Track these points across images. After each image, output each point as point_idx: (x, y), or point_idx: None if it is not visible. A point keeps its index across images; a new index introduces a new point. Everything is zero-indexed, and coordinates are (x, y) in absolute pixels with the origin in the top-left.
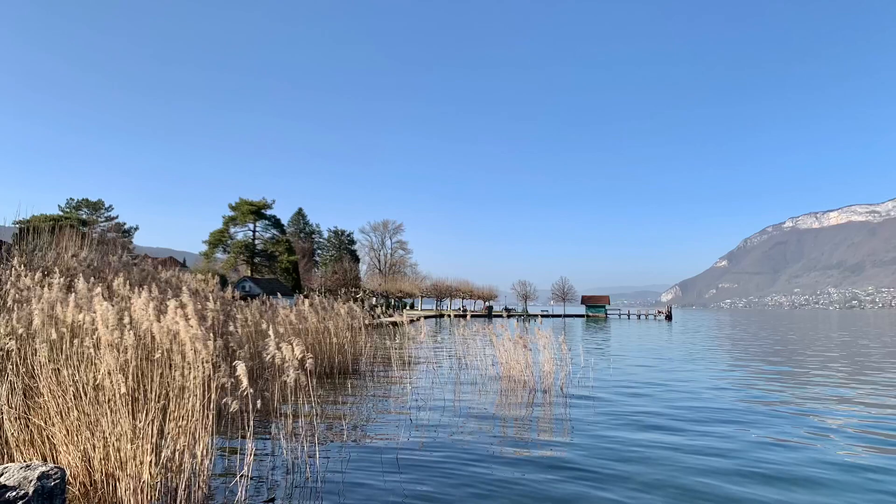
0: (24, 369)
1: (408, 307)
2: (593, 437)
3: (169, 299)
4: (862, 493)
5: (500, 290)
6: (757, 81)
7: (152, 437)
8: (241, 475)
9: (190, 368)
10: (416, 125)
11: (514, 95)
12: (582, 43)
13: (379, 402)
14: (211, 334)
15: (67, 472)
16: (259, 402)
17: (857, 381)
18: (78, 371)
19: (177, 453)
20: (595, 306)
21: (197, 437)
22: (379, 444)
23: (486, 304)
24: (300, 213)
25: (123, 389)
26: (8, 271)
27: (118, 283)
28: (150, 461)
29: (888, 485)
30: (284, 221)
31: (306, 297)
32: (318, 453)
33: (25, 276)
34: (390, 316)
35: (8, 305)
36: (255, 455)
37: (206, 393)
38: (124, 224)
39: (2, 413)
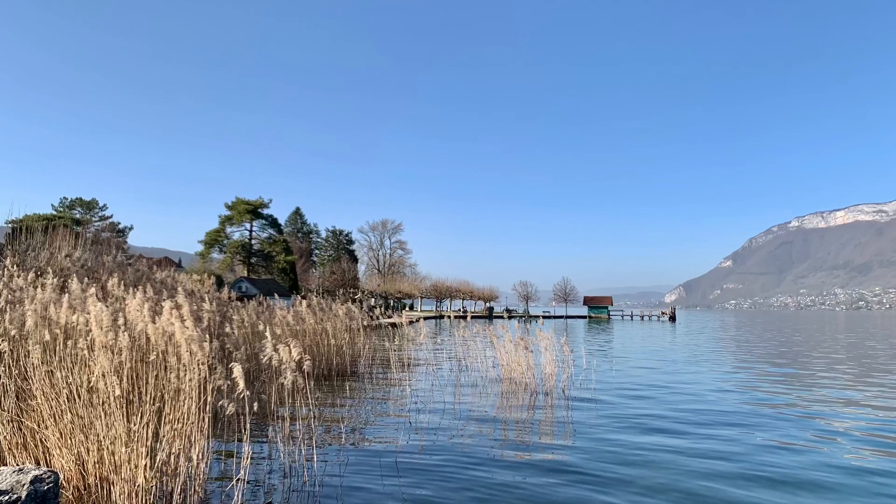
0: (16, 371)
1: (407, 308)
2: (595, 440)
3: (164, 300)
4: (869, 497)
5: (500, 291)
6: (761, 79)
7: (147, 440)
8: (238, 479)
9: (185, 370)
10: (416, 124)
11: (514, 94)
12: (583, 41)
13: (378, 405)
14: (207, 336)
15: (61, 476)
16: (256, 404)
17: (864, 383)
18: (72, 373)
19: (172, 457)
20: (597, 307)
21: (193, 440)
22: (378, 447)
23: (487, 304)
24: (298, 213)
25: (118, 392)
26: (0, 271)
27: (112, 284)
28: (145, 465)
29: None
30: (282, 221)
31: (304, 297)
32: (315, 457)
33: (18, 276)
34: (389, 317)
35: (0, 306)
36: (251, 458)
37: (202, 395)
38: (119, 224)
39: None
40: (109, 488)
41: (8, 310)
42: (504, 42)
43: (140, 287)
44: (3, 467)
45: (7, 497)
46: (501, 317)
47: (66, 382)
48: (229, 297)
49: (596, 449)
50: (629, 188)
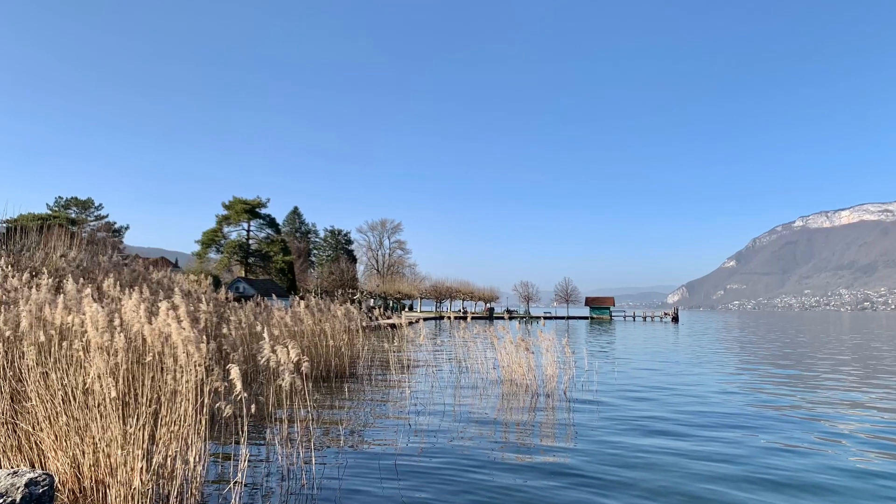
0: (11, 373)
1: (406, 309)
2: (597, 442)
3: (160, 301)
4: (874, 500)
5: (501, 292)
6: (766, 77)
7: (143, 442)
8: (235, 482)
9: (182, 372)
10: (415, 122)
11: (515, 91)
12: (585, 37)
13: (377, 407)
14: (204, 337)
15: (56, 479)
16: (253, 406)
17: (870, 384)
18: (67, 375)
19: (168, 459)
20: (599, 308)
21: (189, 442)
22: (377, 449)
23: (487, 305)
24: (296, 212)
25: (114, 393)
26: None
27: (108, 284)
28: (141, 467)
29: None
30: (279, 221)
31: (302, 298)
32: (314, 459)
33: (13, 276)
34: (388, 318)
35: None
36: (249, 461)
37: (199, 397)
38: (114, 223)
39: None
40: (105, 491)
41: (2, 310)
42: (505, 38)
43: (136, 287)
44: None
45: (2, 500)
46: (502, 317)
47: (62, 384)
48: (226, 298)
49: (598, 451)
50: (631, 187)
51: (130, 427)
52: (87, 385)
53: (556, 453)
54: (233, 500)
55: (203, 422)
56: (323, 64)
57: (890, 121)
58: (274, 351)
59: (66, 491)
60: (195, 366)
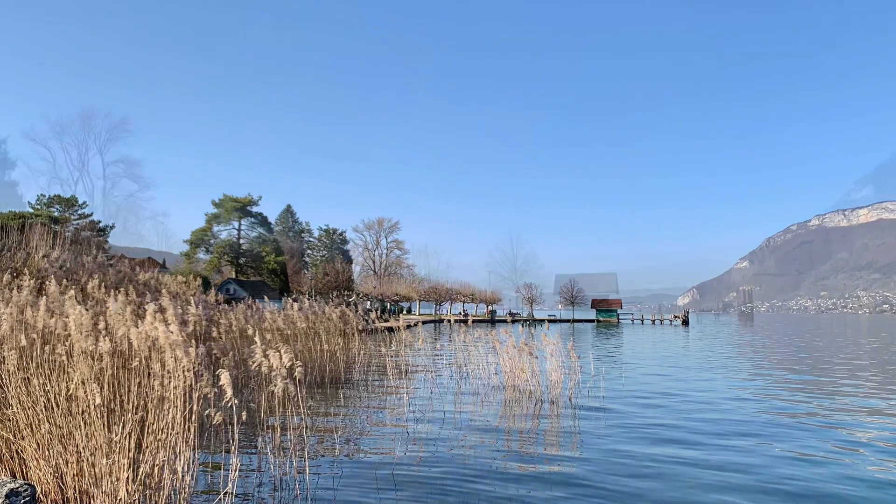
0: None
1: (404, 311)
2: (604, 451)
3: (147, 303)
4: None
5: (503, 294)
6: (779, 71)
7: (129, 451)
8: (225, 492)
9: (170, 377)
10: (415, 116)
11: (519, 86)
12: (591, 30)
13: (373, 414)
14: (192, 341)
15: (38, 489)
16: (244, 413)
17: (889, 391)
18: (49, 380)
19: (156, 469)
20: (606, 311)
21: (177, 451)
22: (373, 458)
23: (489, 308)
24: (289, 211)
25: (98, 400)
26: None
27: (93, 286)
28: (127, 477)
29: None
30: (272, 219)
31: (295, 300)
32: (307, 469)
33: None
34: (385, 321)
35: None
36: (240, 471)
37: (188, 404)
38: (99, 222)
39: None
40: (89, 502)
41: None
42: (509, 29)
43: (122, 289)
44: None
45: None
46: (504, 321)
47: (44, 390)
48: (216, 300)
49: (604, 460)
50: (638, 185)
51: (116, 435)
52: (71, 391)
53: (561, 462)
54: None
55: (192, 429)
56: (317, 56)
57: None
58: (266, 355)
59: (49, 502)
60: (183, 371)
